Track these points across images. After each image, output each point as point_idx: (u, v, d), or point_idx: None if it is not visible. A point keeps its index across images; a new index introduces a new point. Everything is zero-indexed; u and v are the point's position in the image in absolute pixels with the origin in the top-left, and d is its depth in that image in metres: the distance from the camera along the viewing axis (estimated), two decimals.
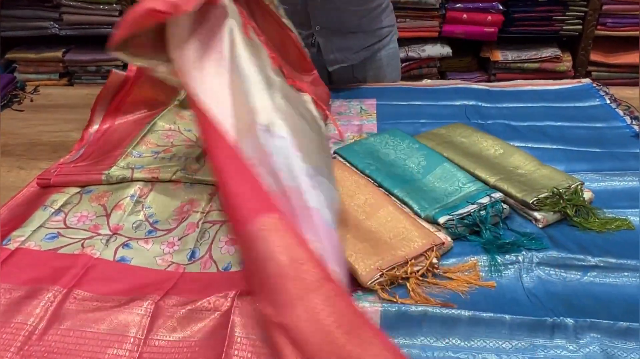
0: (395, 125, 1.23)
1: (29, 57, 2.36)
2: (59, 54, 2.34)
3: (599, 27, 2.16)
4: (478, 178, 0.97)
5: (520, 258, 0.81)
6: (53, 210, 0.94)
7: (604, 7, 2.13)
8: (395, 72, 1.57)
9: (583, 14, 2.15)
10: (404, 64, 2.22)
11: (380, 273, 0.77)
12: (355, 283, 0.78)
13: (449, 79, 2.32)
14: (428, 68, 2.29)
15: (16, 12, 2.27)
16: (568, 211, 0.89)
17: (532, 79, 2.18)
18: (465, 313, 0.68)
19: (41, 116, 1.40)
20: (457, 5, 2.15)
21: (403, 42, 2.23)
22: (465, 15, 2.16)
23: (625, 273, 0.78)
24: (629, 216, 0.90)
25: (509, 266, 0.80)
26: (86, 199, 0.97)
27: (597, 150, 1.12)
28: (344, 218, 0.88)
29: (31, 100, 1.49)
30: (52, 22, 2.27)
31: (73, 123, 1.34)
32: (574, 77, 2.24)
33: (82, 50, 2.37)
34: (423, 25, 2.19)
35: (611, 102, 1.33)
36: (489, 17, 2.14)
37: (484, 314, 0.68)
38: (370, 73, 1.49)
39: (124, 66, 2.38)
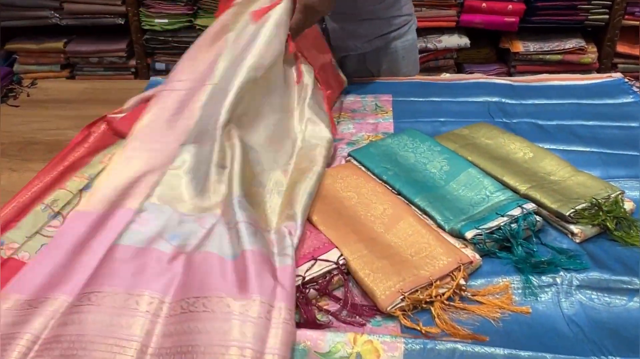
0: (414, 124, 1.15)
1: (29, 47, 2.29)
2: (60, 44, 2.27)
3: (626, 16, 2.04)
4: (507, 186, 0.89)
5: (558, 280, 0.72)
6: (52, 213, 0.87)
7: None
8: (413, 66, 1.48)
9: (610, 2, 2.03)
10: (420, 55, 2.12)
11: (402, 296, 0.69)
12: (373, 307, 0.70)
13: (466, 71, 2.22)
14: (444, 60, 2.18)
15: (15, 0, 2.19)
16: (608, 224, 0.81)
17: (554, 72, 2.10)
18: (501, 351, 0.60)
19: (37, 112, 1.32)
20: None
21: (419, 32, 2.11)
22: (484, 4, 2.05)
23: None
24: None
25: (546, 289, 0.72)
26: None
27: (635, 153, 1.03)
28: (360, 230, 0.80)
29: (28, 95, 1.41)
30: (52, 12, 2.19)
31: (70, 121, 1.27)
32: (599, 70, 2.14)
33: (84, 41, 2.30)
34: (439, 14, 2.09)
35: None
36: (510, 6, 2.03)
37: (523, 354, 0.59)
38: (384, 65, 1.42)
39: (127, 57, 2.32)
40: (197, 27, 2.20)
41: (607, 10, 2.05)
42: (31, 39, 2.29)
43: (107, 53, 2.28)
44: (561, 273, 0.73)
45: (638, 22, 2.05)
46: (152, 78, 1.45)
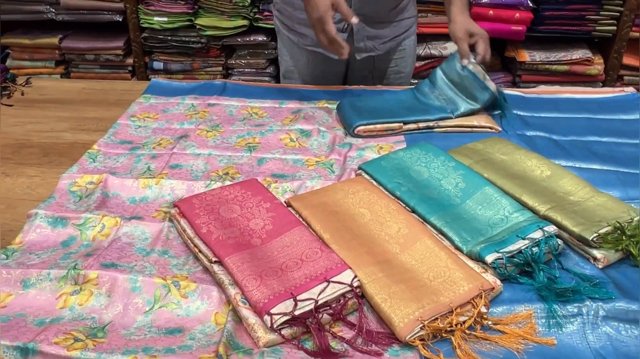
0: (425, 135, 1.11)
1: (23, 42, 2.21)
2: (55, 40, 2.20)
3: (634, 28, 2.02)
4: (525, 206, 0.85)
5: (584, 310, 0.69)
6: None
7: None
8: (414, 60, 1.52)
9: (618, 13, 2.00)
10: (424, 62, 2.09)
11: (421, 324, 0.65)
12: (390, 335, 0.66)
13: None
14: None
15: None
16: (632, 249, 0.77)
17: (560, 82, 2.07)
18: None
19: (32, 112, 1.27)
20: (484, 0, 2.01)
21: (424, 38, 2.10)
22: (491, 12, 2.01)
23: None
24: None
25: (571, 319, 0.68)
26: None
27: None
28: (374, 251, 0.77)
29: (22, 94, 1.36)
30: (48, 6, 2.12)
31: (66, 122, 1.22)
32: (604, 82, 2.11)
33: (80, 37, 2.23)
34: (446, 20, 2.04)
35: None
36: (517, 14, 1.99)
37: None
38: (392, 63, 1.44)
39: (124, 55, 2.27)
40: (197, 26, 2.15)
41: (614, 22, 2.02)
42: (26, 33, 2.22)
43: (103, 50, 2.21)
44: (587, 302, 0.69)
45: None
46: (153, 80, 1.40)
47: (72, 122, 1.23)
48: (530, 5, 1.99)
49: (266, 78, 2.25)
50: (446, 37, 2.13)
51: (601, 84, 2.10)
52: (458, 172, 0.92)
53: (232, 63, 2.24)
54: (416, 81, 1.47)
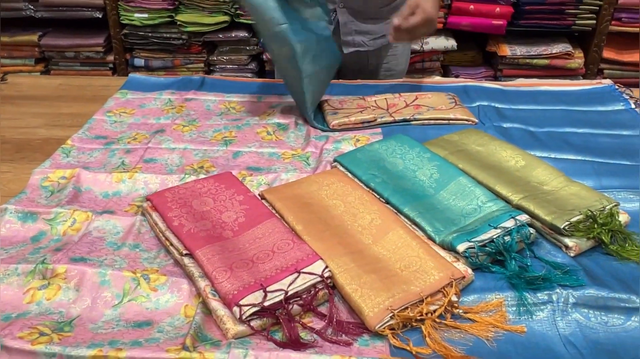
0: (403, 127, 1.11)
1: (1, 40, 2.18)
2: (34, 37, 2.17)
3: (613, 22, 2.03)
4: (499, 196, 0.85)
5: (554, 297, 0.69)
6: None
7: (620, 0, 2.00)
8: (407, 60, 1.51)
9: (597, 7, 2.02)
10: None
11: (391, 314, 0.65)
12: (360, 325, 0.66)
13: (452, 74, 2.19)
14: (431, 62, 2.15)
15: None
16: (604, 237, 0.78)
17: (541, 76, 2.08)
18: None
19: (7, 109, 1.25)
20: None
21: None
22: (472, 6, 2.02)
23: None
24: None
25: (541, 307, 0.68)
26: None
27: (628, 162, 1.00)
28: (347, 242, 0.76)
29: None
30: (26, 3, 2.09)
31: (41, 118, 1.20)
32: (584, 75, 2.13)
33: (60, 35, 2.20)
34: None
35: (637, 107, 1.21)
36: (498, 9, 2.00)
37: None
38: (383, 60, 1.44)
39: (105, 52, 2.24)
40: (178, 22, 2.14)
41: (594, 16, 2.04)
42: (4, 30, 2.19)
43: (84, 47, 2.19)
44: (557, 289, 0.69)
45: (624, 28, 2.04)
46: (131, 75, 1.39)
47: (47, 118, 1.21)
48: None
49: (248, 75, 2.24)
50: None
51: (582, 77, 2.11)
52: (433, 163, 0.92)
53: (213, 59, 2.23)
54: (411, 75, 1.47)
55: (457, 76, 2.16)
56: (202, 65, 2.23)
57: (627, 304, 0.68)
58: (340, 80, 1.36)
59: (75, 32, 2.19)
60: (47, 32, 2.22)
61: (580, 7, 2.01)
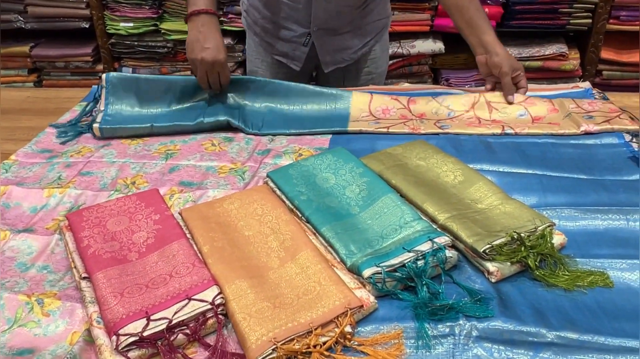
0: (352, 139, 1.07)
1: None
2: (26, 48, 2.21)
3: (611, 20, 1.92)
4: (426, 214, 0.81)
5: (456, 329, 0.64)
6: None
7: None
8: (387, 61, 1.47)
9: (593, 6, 1.92)
10: (392, 61, 2.03)
11: (274, 346, 0.61)
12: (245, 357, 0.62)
13: (442, 78, 2.12)
14: (419, 66, 2.08)
15: None
16: (529, 262, 0.72)
17: (534, 79, 1.99)
18: None
19: None
20: None
21: (391, 36, 2.03)
22: None
23: (590, 355, 0.60)
24: (607, 269, 0.72)
25: (441, 340, 0.63)
26: None
27: (582, 176, 0.94)
28: (251, 265, 0.73)
29: None
30: (17, 15, 2.13)
31: (2, 133, 1.20)
32: (582, 77, 2.03)
33: (51, 45, 2.24)
34: (413, 18, 1.99)
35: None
36: (486, 10, 1.91)
37: None
38: (363, 65, 1.40)
39: (94, 61, 2.26)
40: (163, 31, 2.14)
41: (590, 14, 1.93)
42: None
43: (73, 58, 2.22)
44: (460, 321, 0.64)
45: (623, 27, 1.93)
46: (94, 86, 1.38)
47: (4, 132, 1.21)
48: None
49: None
50: (414, 35, 2.08)
51: (579, 80, 2.01)
52: (363, 179, 0.88)
53: None
54: (389, 81, 1.43)
55: (447, 80, 2.09)
56: (189, 73, 2.23)
57: (534, 339, 0.62)
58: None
59: (65, 43, 2.23)
60: (39, 43, 2.26)
61: (575, 5, 1.92)
